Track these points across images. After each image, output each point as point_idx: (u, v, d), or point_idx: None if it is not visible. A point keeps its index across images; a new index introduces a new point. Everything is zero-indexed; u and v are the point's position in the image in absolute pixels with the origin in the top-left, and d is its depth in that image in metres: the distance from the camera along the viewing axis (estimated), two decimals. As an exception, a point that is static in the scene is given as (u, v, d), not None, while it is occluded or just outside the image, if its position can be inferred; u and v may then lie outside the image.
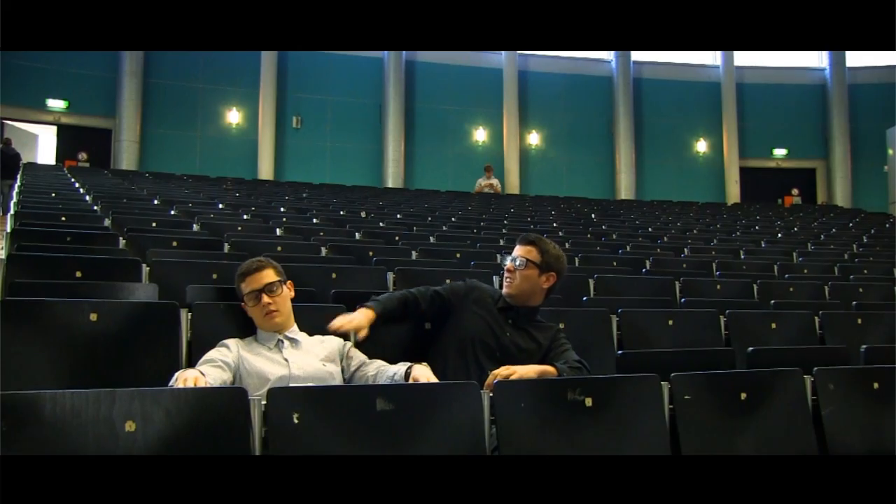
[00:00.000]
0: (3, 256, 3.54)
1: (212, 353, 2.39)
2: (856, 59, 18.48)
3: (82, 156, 14.36)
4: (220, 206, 8.30)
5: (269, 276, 2.55)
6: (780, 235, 9.93)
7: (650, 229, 9.56)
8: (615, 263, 6.07)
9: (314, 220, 7.69)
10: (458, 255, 5.54)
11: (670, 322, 3.69)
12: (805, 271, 6.50)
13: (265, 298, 2.51)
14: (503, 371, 2.36)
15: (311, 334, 2.61)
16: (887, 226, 11.65)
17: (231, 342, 2.46)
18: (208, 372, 2.23)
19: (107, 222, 5.73)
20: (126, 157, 15.05)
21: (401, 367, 2.38)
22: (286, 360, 2.44)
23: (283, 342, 2.50)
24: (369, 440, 1.81)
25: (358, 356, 2.57)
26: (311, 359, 2.47)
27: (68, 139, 15.06)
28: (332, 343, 2.58)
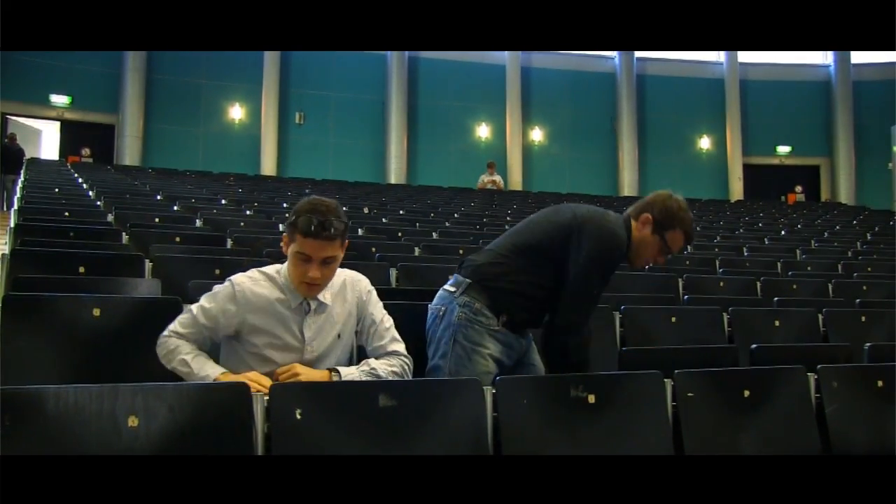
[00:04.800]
0: (7, 252, 3.55)
1: (206, 313, 2.15)
2: (860, 55, 18.42)
3: (85, 151, 14.37)
4: (223, 201, 8.31)
5: (335, 248, 2.11)
6: (783, 233, 9.92)
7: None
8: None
9: (317, 216, 7.67)
10: (460, 252, 5.53)
11: (673, 319, 3.68)
12: (809, 269, 6.49)
13: (313, 271, 2.09)
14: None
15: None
16: (891, 223, 11.62)
17: (240, 299, 2.13)
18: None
19: (110, 218, 5.74)
20: (129, 152, 15.06)
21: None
22: (301, 334, 2.16)
23: (306, 305, 2.18)
24: (372, 436, 1.81)
25: (371, 317, 2.29)
26: (328, 330, 2.20)
27: (71, 135, 15.07)
28: (352, 299, 2.28)
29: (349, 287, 2.28)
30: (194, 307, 2.17)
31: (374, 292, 2.34)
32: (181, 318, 2.18)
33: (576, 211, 2.55)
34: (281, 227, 6.37)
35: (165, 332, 2.15)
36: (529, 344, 2.63)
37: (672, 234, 2.54)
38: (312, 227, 2.04)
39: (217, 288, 2.19)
